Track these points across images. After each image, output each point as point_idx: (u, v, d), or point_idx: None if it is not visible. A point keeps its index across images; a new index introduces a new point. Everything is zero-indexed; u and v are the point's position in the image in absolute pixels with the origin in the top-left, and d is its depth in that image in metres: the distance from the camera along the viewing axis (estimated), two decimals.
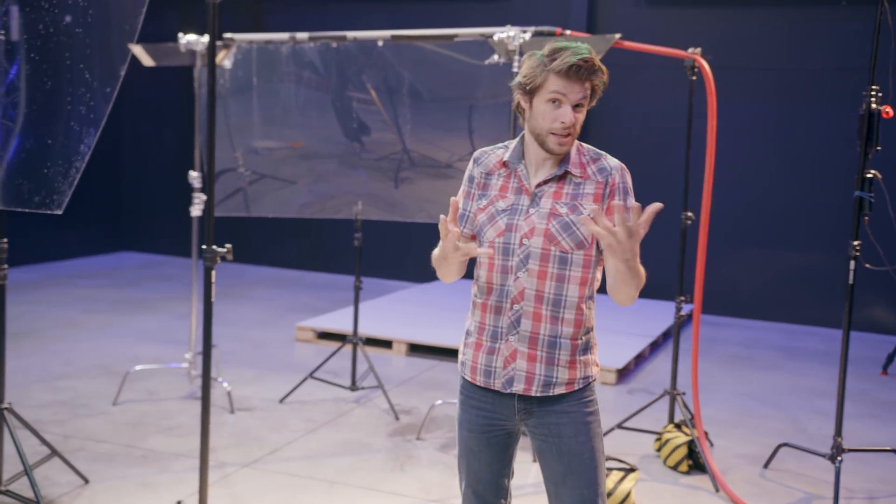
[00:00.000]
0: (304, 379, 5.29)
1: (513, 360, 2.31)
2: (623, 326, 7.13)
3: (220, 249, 3.06)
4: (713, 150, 4.34)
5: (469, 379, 2.40)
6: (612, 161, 2.37)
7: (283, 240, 9.78)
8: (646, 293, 9.19)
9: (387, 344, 6.50)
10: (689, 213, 4.58)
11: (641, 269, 2.22)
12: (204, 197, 5.19)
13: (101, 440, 4.46)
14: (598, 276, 2.38)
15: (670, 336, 7.32)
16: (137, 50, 5.27)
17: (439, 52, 5.11)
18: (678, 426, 4.61)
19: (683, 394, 4.64)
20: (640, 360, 6.50)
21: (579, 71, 2.21)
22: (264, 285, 8.93)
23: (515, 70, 4.63)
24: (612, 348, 6.39)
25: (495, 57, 4.75)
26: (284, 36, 5.06)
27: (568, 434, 2.32)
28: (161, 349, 6.19)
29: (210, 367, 3.08)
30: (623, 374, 6.10)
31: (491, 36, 4.72)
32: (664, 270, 8.62)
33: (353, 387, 5.37)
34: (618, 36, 4.50)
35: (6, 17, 2.85)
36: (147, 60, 5.27)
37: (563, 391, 2.31)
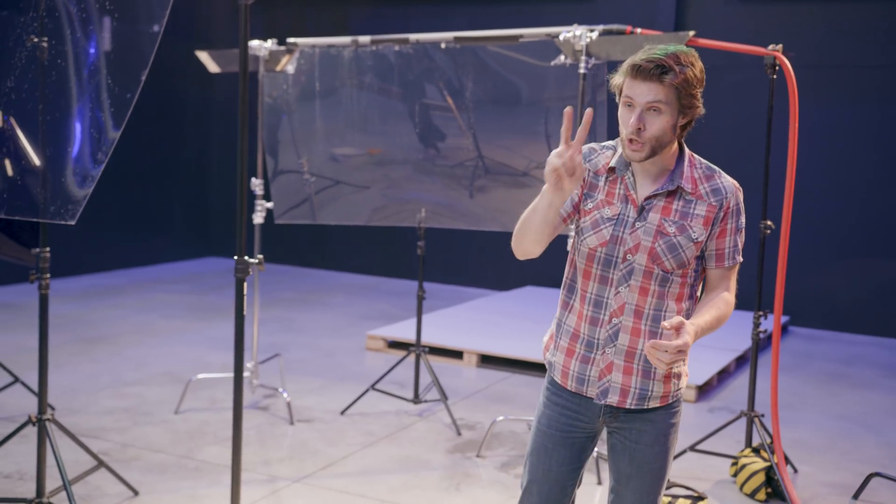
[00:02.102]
0: (366, 391, 5.16)
1: (608, 373, 2.29)
2: (706, 339, 6.75)
3: (251, 260, 2.94)
4: (795, 155, 4.01)
5: (559, 382, 2.38)
6: (726, 181, 2.28)
7: (364, 246, 9.72)
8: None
9: (458, 354, 6.33)
10: (769, 222, 4.25)
11: (716, 320, 2.23)
12: (267, 204, 5.14)
13: (158, 450, 4.43)
14: (698, 289, 2.35)
15: (759, 351, 6.91)
16: (203, 56, 5.27)
17: (506, 55, 4.91)
18: (756, 451, 4.29)
19: (762, 416, 4.31)
20: (723, 375, 6.15)
21: (642, 70, 2.15)
22: (343, 292, 8.88)
23: (583, 71, 4.40)
24: (692, 363, 6.04)
25: (562, 58, 4.53)
26: (346, 40, 4.95)
27: (646, 442, 2.32)
28: (231, 357, 6.17)
29: (241, 386, 2.97)
30: (704, 390, 5.77)
31: (557, 36, 4.50)
32: (754, 280, 8.17)
33: (416, 399, 5.22)
34: (691, 33, 4.23)
35: (89, 32, 2.79)
36: (212, 67, 5.25)
37: (658, 404, 2.31)
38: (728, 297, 2.28)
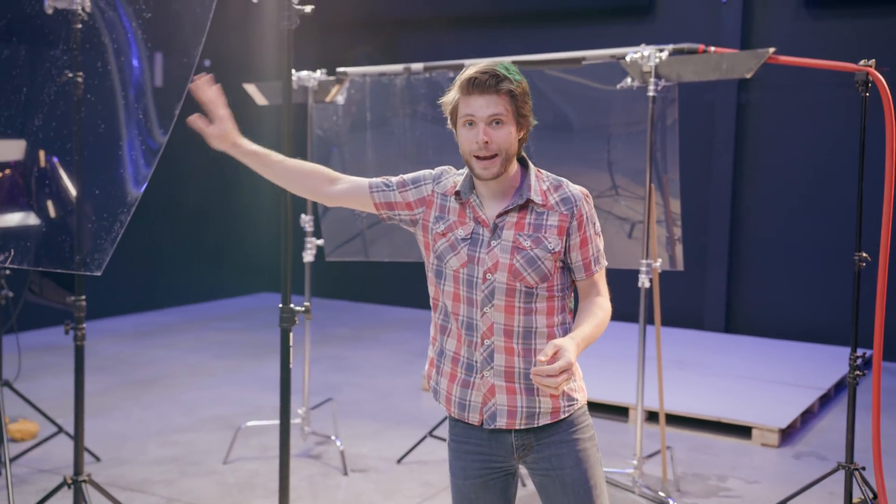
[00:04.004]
0: (424, 438, 4.86)
1: (492, 396, 2.24)
2: (786, 377, 6.33)
3: (298, 308, 2.68)
4: (893, 179, 3.63)
5: (445, 408, 2.32)
6: (574, 189, 2.26)
7: (419, 278, 9.44)
8: (814, 337, 8.21)
9: None
10: (864, 254, 3.86)
11: (596, 328, 2.18)
12: (317, 242, 4.90)
13: None
14: (569, 301, 2.31)
15: (844, 387, 6.44)
16: (251, 89, 5.08)
17: (567, 79, 4.63)
18: None
19: (863, 469, 3.90)
20: (807, 416, 5.70)
21: (478, 83, 2.14)
22: (398, 327, 8.62)
23: (652, 94, 4.09)
24: (773, 403, 5.63)
25: (628, 80, 4.22)
26: (398, 67, 4.71)
27: (570, 465, 2.25)
28: None
29: (288, 442, 2.71)
30: (787, 434, 5.33)
31: (623, 57, 4.20)
32: (836, 312, 7.71)
33: None
34: (772, 50, 3.89)
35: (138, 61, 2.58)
36: (260, 99, 5.05)
37: (549, 421, 2.25)
38: (601, 300, 2.27)
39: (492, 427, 2.24)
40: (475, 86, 2.14)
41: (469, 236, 2.23)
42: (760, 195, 8.01)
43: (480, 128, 2.15)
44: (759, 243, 8.02)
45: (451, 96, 2.21)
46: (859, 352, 3.96)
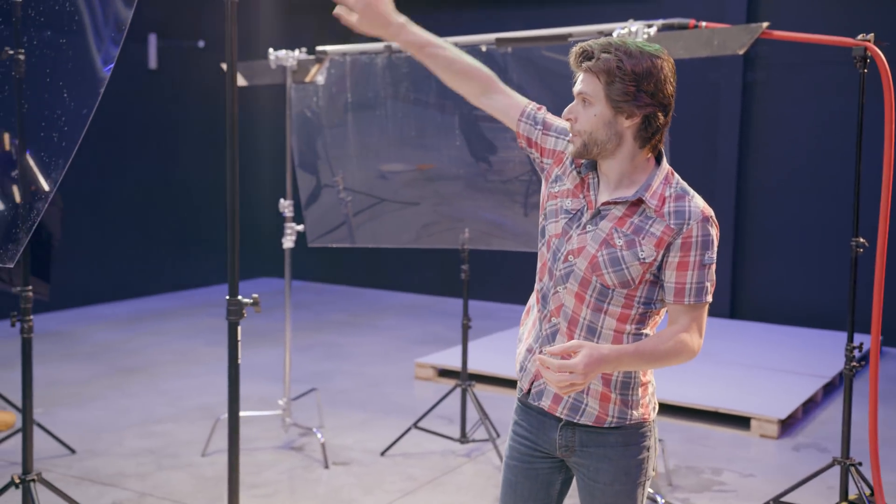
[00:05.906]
0: (408, 429, 4.70)
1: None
2: (790, 364, 6.14)
3: (245, 300, 2.53)
4: (892, 160, 3.43)
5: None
6: (695, 206, 2.03)
7: (419, 263, 9.28)
8: (821, 323, 7.97)
9: (512, 383, 5.84)
10: (861, 240, 3.66)
11: (651, 356, 2.00)
12: (297, 227, 4.74)
13: (178, 500, 4.04)
14: (655, 317, 2.12)
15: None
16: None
17: (558, 59, 4.43)
18: None
19: (860, 464, 3.72)
20: (809, 406, 5.51)
21: (572, 58, 2.05)
22: (395, 313, 8.46)
23: None
24: (774, 392, 5.44)
25: None
26: (379, 46, 4.53)
27: (605, 481, 2.14)
28: (271, 388, 5.78)
29: (238, 444, 2.56)
30: (788, 425, 5.15)
31: (611, 33, 4.00)
32: (843, 297, 7.47)
33: (464, 438, 4.74)
34: (765, 25, 3.68)
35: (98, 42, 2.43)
36: (239, 80, 4.88)
37: (591, 423, 2.12)
38: (685, 337, 2.03)
39: (537, 404, 2.17)
40: (572, 60, 2.06)
41: (573, 211, 2.11)
42: (766, 177, 7.78)
43: (572, 103, 2.07)
44: (766, 226, 7.80)
45: None
46: (857, 341, 3.77)
